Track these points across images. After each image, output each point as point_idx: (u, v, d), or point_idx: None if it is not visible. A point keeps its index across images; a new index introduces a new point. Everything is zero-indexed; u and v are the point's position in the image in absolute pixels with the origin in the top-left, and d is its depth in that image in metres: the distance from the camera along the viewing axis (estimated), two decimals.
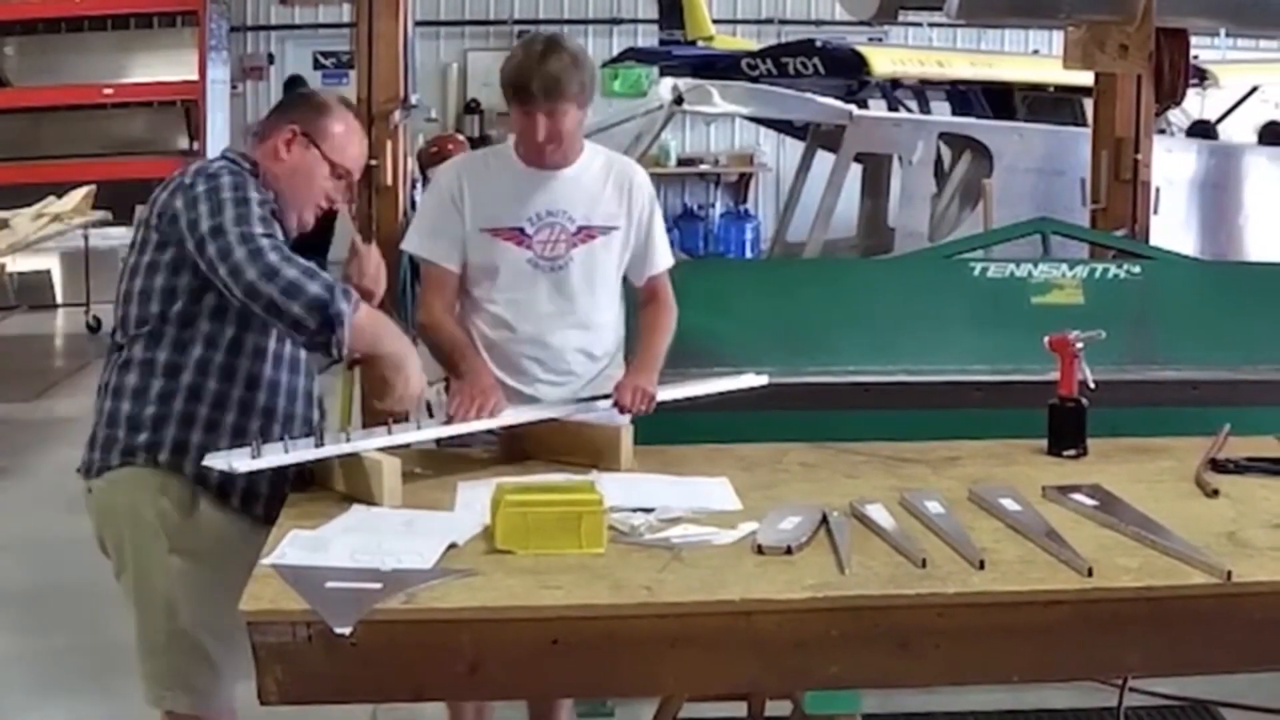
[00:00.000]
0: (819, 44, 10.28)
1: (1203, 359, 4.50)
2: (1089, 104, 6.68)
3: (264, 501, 2.95)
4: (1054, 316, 4.17)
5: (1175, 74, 5.77)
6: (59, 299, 12.09)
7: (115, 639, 4.41)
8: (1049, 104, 10.07)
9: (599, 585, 2.43)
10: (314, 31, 15.32)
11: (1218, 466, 3.15)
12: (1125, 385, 4.12)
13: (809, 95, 9.07)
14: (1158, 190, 5.89)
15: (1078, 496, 2.91)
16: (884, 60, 10.01)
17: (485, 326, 3.48)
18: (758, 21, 15.91)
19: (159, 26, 14.37)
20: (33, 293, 11.77)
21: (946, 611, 2.41)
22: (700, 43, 12.92)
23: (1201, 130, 10.67)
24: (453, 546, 2.58)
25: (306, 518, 2.76)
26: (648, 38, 14.93)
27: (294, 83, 3.21)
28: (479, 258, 3.45)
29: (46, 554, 5.63)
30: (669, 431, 3.42)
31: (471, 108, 15.95)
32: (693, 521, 2.74)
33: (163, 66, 14.05)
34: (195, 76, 13.96)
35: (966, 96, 10.38)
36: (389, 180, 5.03)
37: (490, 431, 3.27)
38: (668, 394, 3.45)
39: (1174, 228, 7.78)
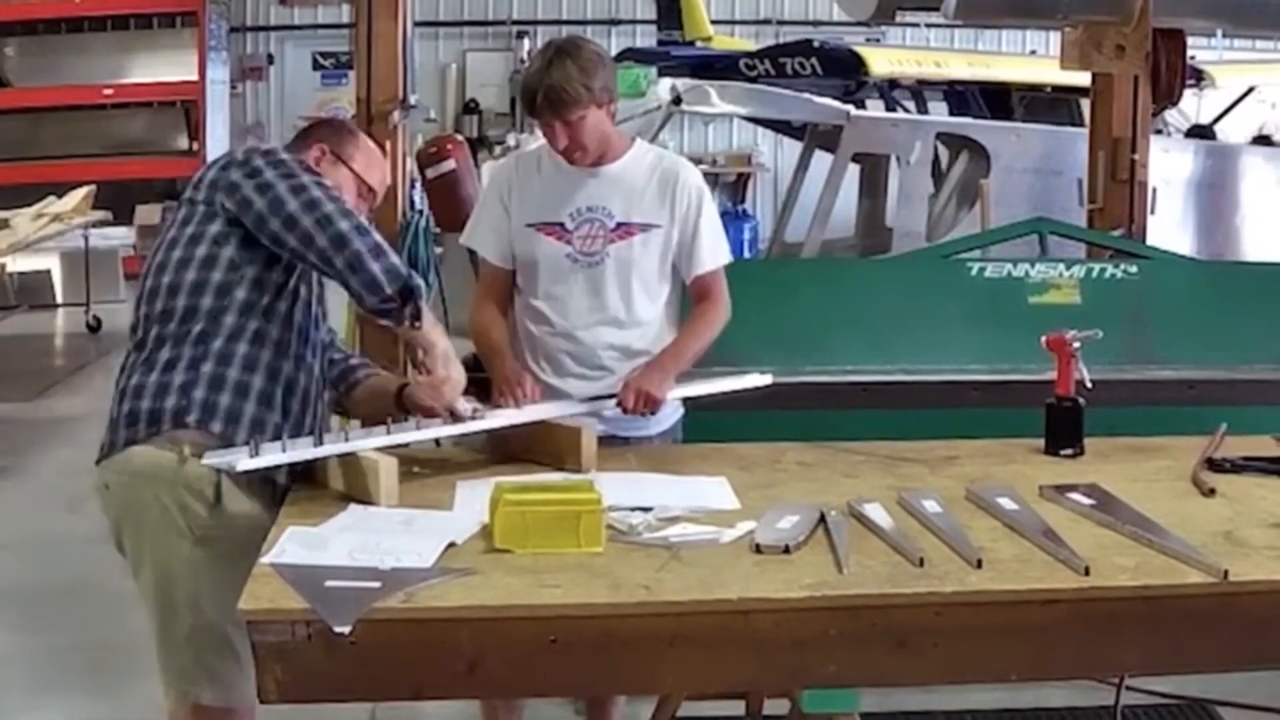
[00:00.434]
0: (817, 44, 10.29)
1: (1199, 358, 4.51)
2: (1086, 104, 6.69)
3: (285, 474, 2.93)
4: (1051, 316, 4.18)
5: (1172, 74, 5.78)
6: (59, 299, 12.10)
7: (114, 638, 4.45)
8: (1046, 104, 10.09)
9: (597, 584, 2.43)
10: (313, 32, 15.34)
11: (1214, 466, 3.16)
12: (1122, 385, 4.13)
13: (807, 95, 9.08)
14: (1155, 190, 5.90)
15: (1075, 496, 2.91)
16: (881, 61, 10.03)
17: (528, 321, 3.51)
18: (756, 22, 15.95)
19: (159, 27, 14.40)
20: (33, 293, 11.78)
21: (944, 610, 2.42)
22: (698, 43, 12.95)
23: (1200, 134, 10.67)
24: (451, 546, 2.58)
25: (306, 516, 2.76)
26: (646, 38, 14.95)
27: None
28: (523, 253, 3.49)
29: (46, 553, 5.64)
30: None
31: (470, 108, 15.97)
32: (691, 521, 2.74)
33: (162, 67, 14.08)
34: (195, 77, 13.99)
35: (964, 97, 10.39)
36: (388, 180, 5.03)
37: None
38: (673, 393, 3.46)
39: (1171, 228, 7.79)
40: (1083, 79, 6.22)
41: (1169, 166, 8.14)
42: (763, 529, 2.67)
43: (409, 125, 5.26)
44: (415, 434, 3.15)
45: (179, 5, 14.27)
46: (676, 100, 8.48)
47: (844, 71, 9.87)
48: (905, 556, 2.55)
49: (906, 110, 10.18)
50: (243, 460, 2.81)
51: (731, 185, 15.62)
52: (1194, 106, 10.60)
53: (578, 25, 16.10)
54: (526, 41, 16.03)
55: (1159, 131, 8.58)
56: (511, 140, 13.38)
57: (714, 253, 3.54)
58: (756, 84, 9.59)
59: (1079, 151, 6.21)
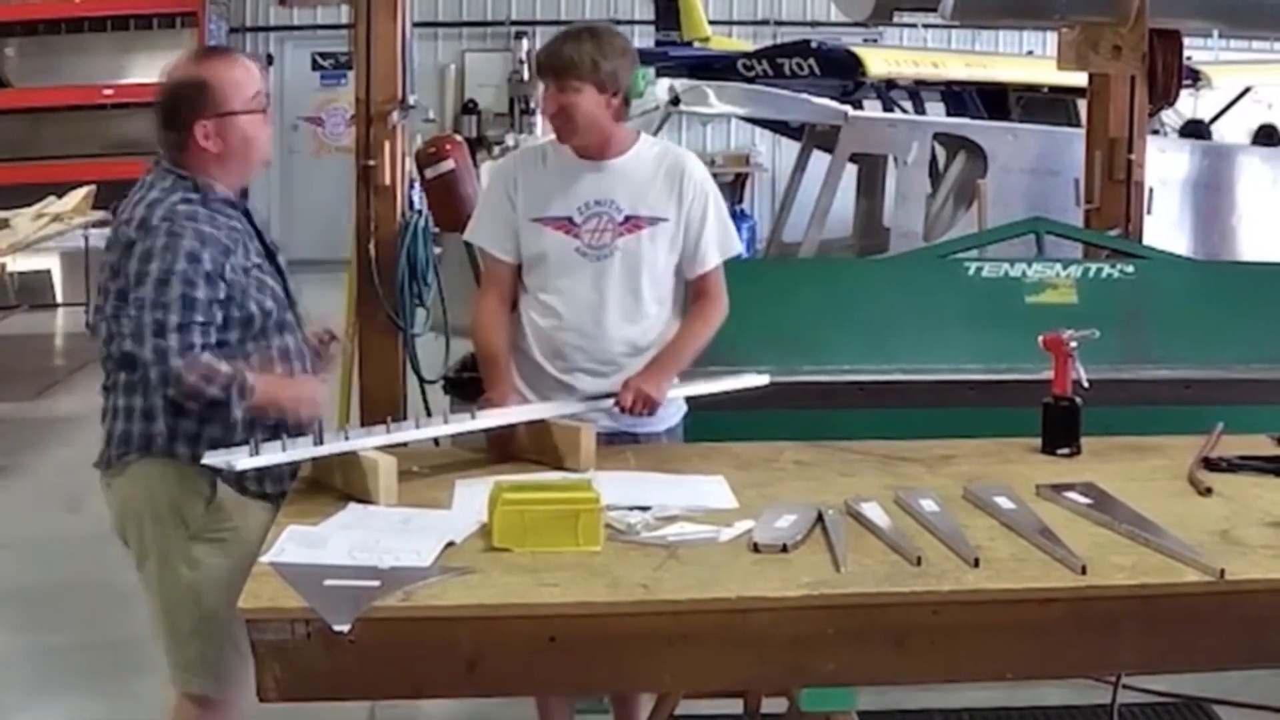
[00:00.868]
0: (814, 45, 10.29)
1: (1196, 358, 4.51)
2: (1083, 104, 6.69)
3: (274, 480, 2.99)
4: (1048, 316, 4.18)
5: (1168, 75, 5.78)
6: (59, 299, 12.11)
7: (114, 637, 4.46)
8: (1043, 105, 10.09)
9: (596, 583, 2.44)
10: (313, 33, 15.33)
11: (1211, 465, 3.17)
12: (1119, 384, 4.14)
13: (804, 96, 9.08)
14: (1151, 190, 5.90)
15: (1072, 495, 2.93)
16: (879, 61, 10.03)
17: (536, 316, 3.50)
18: (753, 23, 15.95)
19: (158, 28, 14.40)
20: (33, 292, 11.79)
21: (941, 609, 2.43)
22: (696, 44, 12.94)
23: (1194, 130, 10.68)
24: (450, 545, 2.59)
25: (305, 515, 2.78)
26: (644, 39, 14.93)
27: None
28: (530, 248, 3.49)
29: (46, 552, 5.65)
30: None
31: (469, 108, 15.96)
32: (689, 520, 2.75)
33: (162, 67, 14.07)
34: None
35: (961, 97, 10.39)
36: (387, 180, 5.03)
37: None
38: (671, 394, 3.47)
39: (1167, 228, 7.79)
40: (1079, 79, 6.23)
41: (1165, 167, 8.15)
42: (760, 528, 2.68)
43: (408, 125, 5.26)
44: (414, 433, 3.16)
45: (179, 6, 14.28)
46: (675, 101, 8.47)
47: (841, 72, 9.87)
48: (903, 555, 2.56)
49: (904, 111, 10.18)
50: (242, 460, 2.82)
51: (729, 185, 15.60)
52: (1190, 107, 10.60)
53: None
54: (525, 42, 16.01)
55: (1155, 132, 8.58)
56: (510, 140, 13.37)
57: (720, 247, 3.54)
58: (754, 84, 9.59)
59: (1076, 152, 6.21)
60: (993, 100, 10.25)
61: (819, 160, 9.16)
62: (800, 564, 2.53)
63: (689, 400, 3.56)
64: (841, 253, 9.15)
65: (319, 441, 2.92)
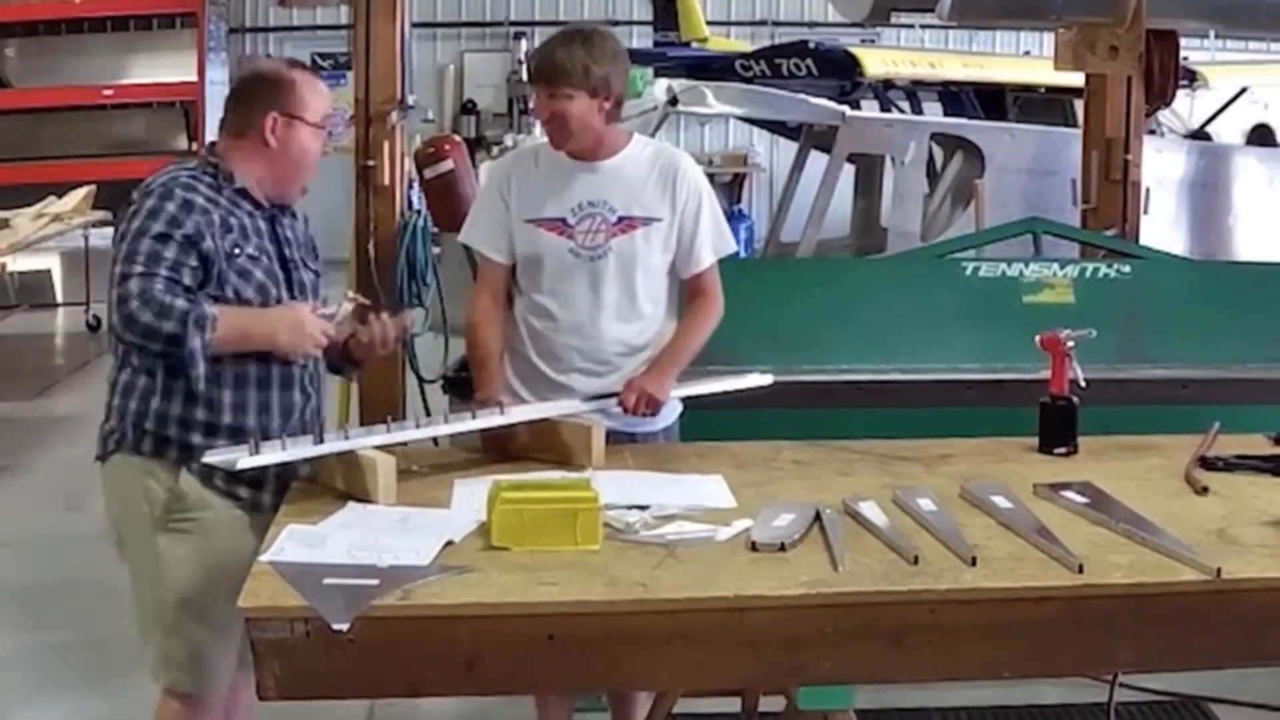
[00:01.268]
0: (812, 45, 10.30)
1: (1192, 357, 4.53)
2: (1080, 105, 6.70)
3: (247, 485, 3.00)
4: (1045, 315, 4.20)
5: (1165, 75, 5.79)
6: (59, 298, 12.13)
7: (114, 635, 4.44)
8: (1040, 105, 10.10)
9: (594, 582, 2.45)
10: (312, 33, 15.33)
11: (1207, 464, 3.17)
12: (1116, 384, 4.15)
13: (802, 96, 9.09)
14: (1148, 190, 5.91)
15: (1069, 494, 2.93)
16: (876, 61, 10.04)
17: (531, 318, 3.52)
18: (751, 23, 15.96)
19: (158, 28, 14.42)
20: (33, 292, 11.80)
21: (939, 608, 2.43)
22: (694, 44, 12.96)
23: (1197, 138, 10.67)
24: (449, 544, 2.60)
25: (305, 514, 2.78)
26: (643, 39, 14.96)
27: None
28: (524, 249, 3.50)
29: (46, 551, 5.65)
30: None
31: (468, 108, 15.98)
32: (687, 519, 2.76)
33: (162, 68, 14.10)
34: (194, 78, 14.02)
35: (958, 97, 10.40)
36: (386, 180, 5.04)
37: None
38: (674, 393, 3.47)
39: (1164, 228, 7.80)
40: (1076, 80, 6.23)
41: (1162, 167, 8.16)
42: (758, 527, 2.69)
43: (407, 126, 5.27)
44: (415, 433, 3.16)
45: (178, 6, 14.29)
46: (673, 101, 8.49)
47: (839, 72, 9.88)
48: (900, 554, 2.56)
49: (901, 111, 10.19)
50: (242, 459, 2.83)
51: (727, 185, 15.61)
52: (1187, 107, 10.61)
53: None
54: (524, 43, 16.02)
55: (1152, 132, 8.59)
56: (509, 140, 13.38)
57: (714, 246, 3.56)
58: (752, 85, 9.60)
59: (1073, 152, 6.22)
60: (990, 100, 10.26)
61: (817, 160, 9.17)
62: (798, 563, 2.53)
63: (689, 400, 3.57)
64: (839, 252, 9.17)
65: (319, 441, 2.93)
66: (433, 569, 2.48)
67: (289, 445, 2.90)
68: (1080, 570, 2.48)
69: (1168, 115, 9.43)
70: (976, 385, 4.36)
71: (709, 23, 13.75)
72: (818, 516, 2.74)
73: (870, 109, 9.94)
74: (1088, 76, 5.90)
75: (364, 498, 2.86)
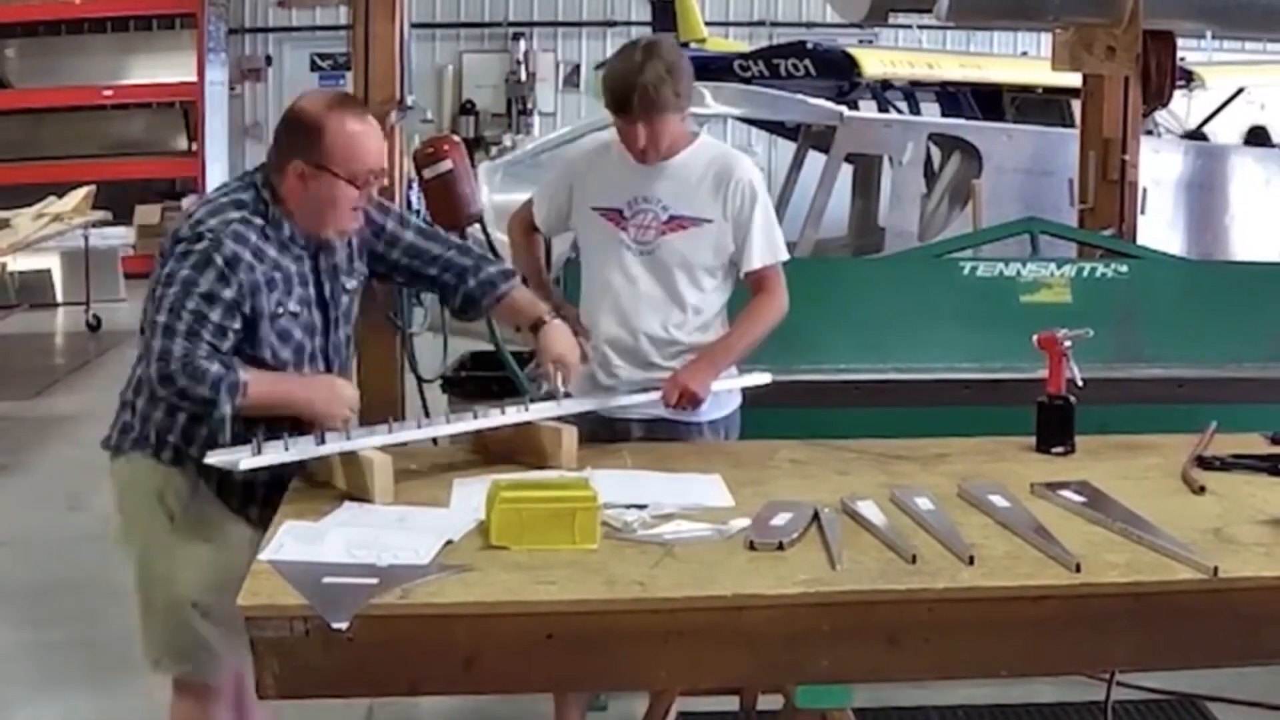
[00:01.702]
0: (810, 46, 10.29)
1: (1189, 357, 4.54)
2: (1077, 105, 6.70)
3: (259, 505, 3.02)
4: (1042, 315, 4.21)
5: (1162, 76, 5.80)
6: (59, 298, 12.14)
7: (113, 634, 4.46)
8: (1037, 105, 10.10)
9: (593, 580, 2.46)
10: (311, 34, 15.36)
11: (1204, 463, 3.18)
12: (1113, 383, 4.16)
13: (800, 97, 9.09)
14: (1145, 191, 5.92)
15: (1066, 493, 2.94)
16: (874, 62, 10.03)
17: (590, 304, 3.61)
18: (749, 24, 15.98)
19: (158, 29, 14.45)
20: (33, 292, 11.80)
21: (936, 606, 2.44)
22: (693, 45, 12.94)
23: (1195, 138, 10.66)
24: (449, 543, 2.61)
25: (304, 513, 2.79)
26: None
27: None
28: (584, 234, 3.63)
29: (46, 550, 5.66)
30: None
31: (467, 109, 16.00)
32: (685, 518, 2.76)
33: (162, 68, 14.13)
34: (194, 78, 14.04)
35: (956, 98, 10.39)
36: (385, 180, 5.04)
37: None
38: (641, 398, 3.49)
39: (1161, 228, 7.81)
40: (1073, 80, 6.24)
41: (1159, 167, 8.17)
42: (756, 526, 2.69)
43: (406, 126, 5.28)
44: (415, 433, 3.17)
45: (178, 7, 14.31)
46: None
47: (837, 73, 9.87)
48: (898, 553, 2.57)
49: (899, 111, 10.19)
50: (245, 459, 2.84)
51: None
52: (1184, 108, 10.60)
53: (573, 26, 16.13)
54: (522, 43, 16.04)
55: (1149, 132, 8.59)
56: (507, 140, 13.40)
57: (767, 250, 3.58)
58: (750, 85, 9.59)
59: (1070, 152, 6.22)
60: (987, 101, 10.26)
61: (815, 160, 9.17)
62: (796, 562, 2.54)
63: None
64: (837, 252, 9.16)
65: (321, 441, 2.93)
66: (432, 568, 2.48)
67: (291, 445, 2.90)
68: (1077, 569, 2.49)
69: (1165, 115, 9.42)
70: (974, 385, 4.37)
71: (707, 23, 13.74)
72: (815, 515, 2.75)
73: (868, 109, 9.93)
74: (1085, 77, 5.90)
75: (362, 497, 2.87)
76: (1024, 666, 2.69)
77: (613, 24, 16.10)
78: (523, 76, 16.00)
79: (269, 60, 15.77)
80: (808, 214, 8.53)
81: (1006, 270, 4.67)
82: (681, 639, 2.42)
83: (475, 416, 3.24)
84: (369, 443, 2.97)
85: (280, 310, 3.00)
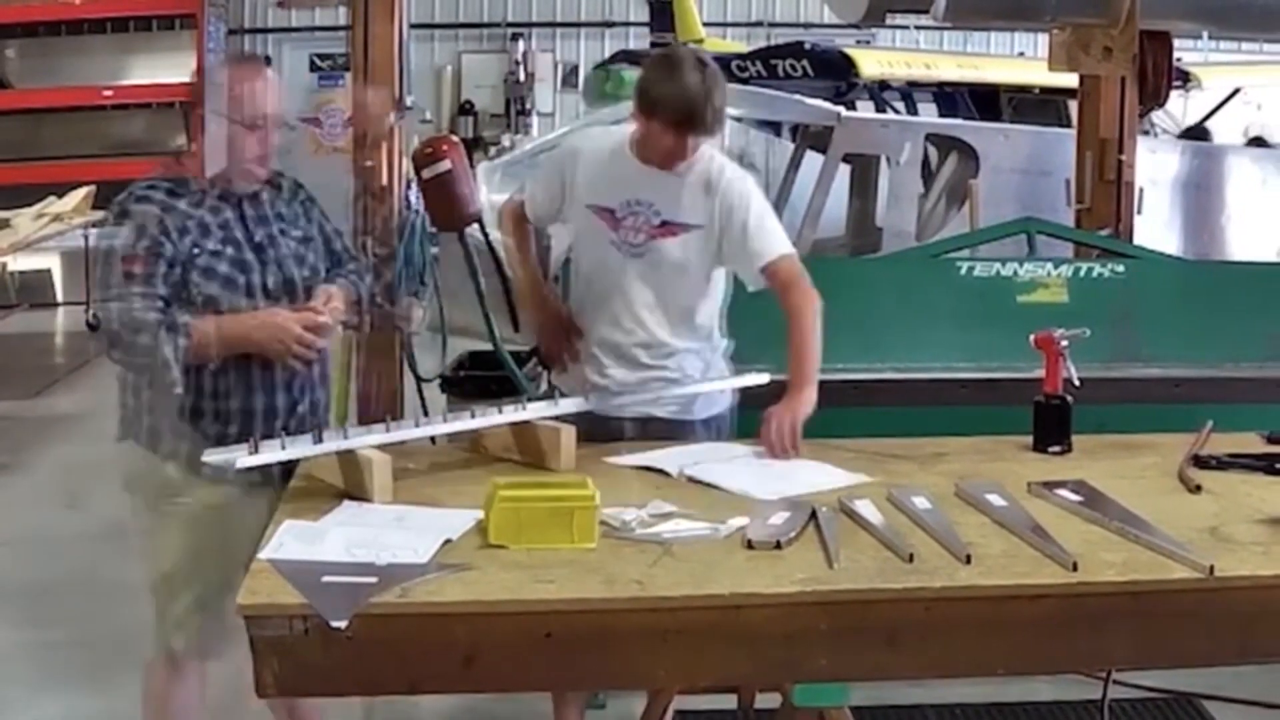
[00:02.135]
0: (808, 46, 10.30)
1: (1186, 357, 4.54)
2: (1074, 105, 6.71)
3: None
4: (1039, 315, 4.20)
5: (1158, 76, 5.81)
6: (59, 298, 12.14)
7: (113, 633, 4.48)
8: (1034, 105, 10.10)
9: (591, 579, 2.46)
10: (310, 34, 15.35)
11: (1201, 463, 3.19)
12: (1109, 382, 4.16)
13: (798, 97, 9.09)
14: (1141, 191, 5.93)
15: (1063, 492, 2.95)
16: (872, 62, 10.04)
17: (578, 302, 3.62)
18: (747, 24, 15.97)
19: (157, 29, 14.45)
20: (33, 291, 11.81)
21: (933, 605, 2.45)
22: (691, 45, 12.95)
23: (1196, 135, 10.67)
24: (448, 542, 2.61)
25: (303, 512, 2.79)
26: (639, 40, 14.96)
27: None
28: (577, 230, 3.63)
29: (46, 549, 5.66)
30: None
31: (465, 109, 16.00)
32: (683, 517, 2.77)
33: (161, 69, 14.12)
34: (193, 79, 14.02)
35: (953, 98, 10.40)
36: (384, 181, 5.06)
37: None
38: (676, 391, 3.49)
39: (1157, 228, 7.82)
40: (1070, 80, 6.25)
41: (1155, 167, 8.17)
42: (754, 525, 2.70)
43: (405, 126, 5.28)
44: (413, 432, 3.18)
45: (178, 7, 14.33)
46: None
47: (834, 73, 9.88)
48: (895, 552, 2.58)
49: (896, 111, 10.20)
50: (241, 458, 2.84)
51: None
52: (1180, 108, 10.61)
53: (572, 27, 16.13)
54: (521, 44, 16.04)
55: (1145, 133, 8.60)
56: (506, 141, 13.39)
57: (772, 242, 3.54)
58: (748, 85, 9.60)
59: (1066, 152, 6.23)
60: (984, 101, 10.26)
61: (812, 161, 9.17)
62: (793, 561, 2.55)
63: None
64: (835, 252, 9.17)
65: (318, 440, 2.94)
66: (431, 567, 2.49)
67: (288, 444, 2.91)
68: (1074, 568, 2.50)
69: (1161, 116, 9.43)
70: (971, 384, 4.37)
71: (705, 24, 13.75)
72: (813, 514, 2.76)
73: (866, 110, 9.94)
74: (1082, 77, 5.91)
75: (361, 495, 2.88)
76: (1021, 665, 2.70)
77: (611, 24, 16.10)
78: (521, 77, 16.00)
79: (269, 61, 15.76)
80: (805, 214, 8.53)
81: (1004, 270, 4.68)
82: (680, 638, 2.42)
83: (473, 416, 3.25)
84: (366, 441, 2.98)
85: (196, 251, 3.08)
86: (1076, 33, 5.67)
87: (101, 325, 3.06)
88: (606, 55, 13.36)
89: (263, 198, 3.23)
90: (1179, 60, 7.44)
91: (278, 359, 3.11)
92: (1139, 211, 5.86)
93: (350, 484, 2.92)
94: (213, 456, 2.89)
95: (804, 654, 2.46)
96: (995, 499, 2.88)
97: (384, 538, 2.61)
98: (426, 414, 3.52)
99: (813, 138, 9.36)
